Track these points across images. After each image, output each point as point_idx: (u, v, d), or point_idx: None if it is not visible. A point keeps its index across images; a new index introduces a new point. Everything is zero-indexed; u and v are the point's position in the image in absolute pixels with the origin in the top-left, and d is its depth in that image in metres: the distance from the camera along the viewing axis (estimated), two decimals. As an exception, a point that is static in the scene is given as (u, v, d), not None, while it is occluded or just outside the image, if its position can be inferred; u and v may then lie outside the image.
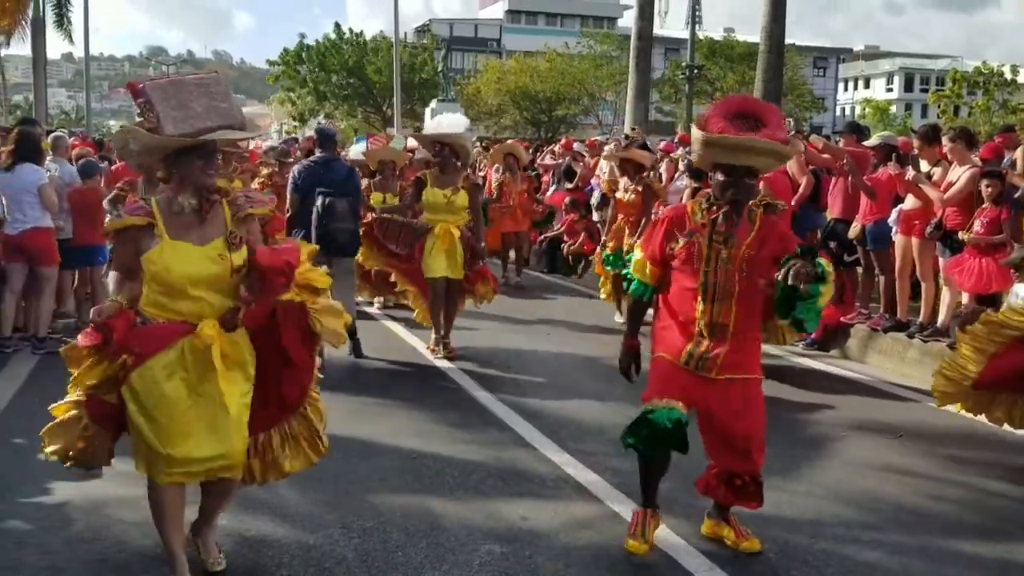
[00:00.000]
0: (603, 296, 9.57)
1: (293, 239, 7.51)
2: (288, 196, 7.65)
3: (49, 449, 3.71)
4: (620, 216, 9.16)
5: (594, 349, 8.40)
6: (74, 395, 3.68)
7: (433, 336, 8.01)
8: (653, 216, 10.64)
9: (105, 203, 7.41)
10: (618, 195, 9.20)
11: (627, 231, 9.06)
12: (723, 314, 3.91)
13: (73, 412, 3.68)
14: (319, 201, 7.26)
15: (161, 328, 3.50)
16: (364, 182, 9.12)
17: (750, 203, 3.99)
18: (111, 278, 3.62)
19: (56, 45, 30.17)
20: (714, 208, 3.92)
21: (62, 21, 30.36)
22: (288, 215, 7.72)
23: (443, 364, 7.68)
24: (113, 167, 10.16)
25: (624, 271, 4.38)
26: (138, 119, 3.49)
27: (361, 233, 7.77)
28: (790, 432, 5.87)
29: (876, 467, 5.38)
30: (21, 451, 5.32)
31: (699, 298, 3.91)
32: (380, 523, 4.32)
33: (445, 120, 8.13)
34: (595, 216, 13.16)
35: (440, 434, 5.82)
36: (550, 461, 5.31)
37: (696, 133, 3.87)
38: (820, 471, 5.33)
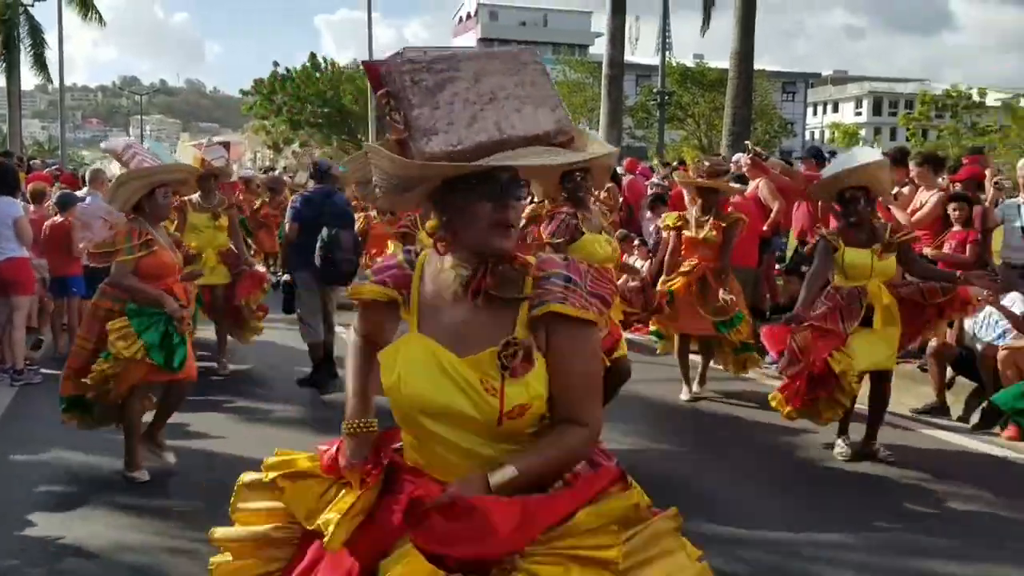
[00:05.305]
0: (660, 350, 7.71)
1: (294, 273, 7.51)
2: (287, 225, 7.73)
3: None
4: (694, 259, 6.99)
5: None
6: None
7: None
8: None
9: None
10: (687, 233, 7.02)
11: (706, 278, 6.89)
12: None
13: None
14: (325, 232, 7.33)
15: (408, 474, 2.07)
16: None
17: None
18: (351, 346, 2.29)
19: (29, 76, 30.11)
20: None
21: (41, 61, 30.48)
22: (283, 245, 7.68)
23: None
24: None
25: None
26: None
27: None
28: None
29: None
30: (2, 484, 5.31)
31: None
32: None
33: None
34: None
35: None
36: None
37: None
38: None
